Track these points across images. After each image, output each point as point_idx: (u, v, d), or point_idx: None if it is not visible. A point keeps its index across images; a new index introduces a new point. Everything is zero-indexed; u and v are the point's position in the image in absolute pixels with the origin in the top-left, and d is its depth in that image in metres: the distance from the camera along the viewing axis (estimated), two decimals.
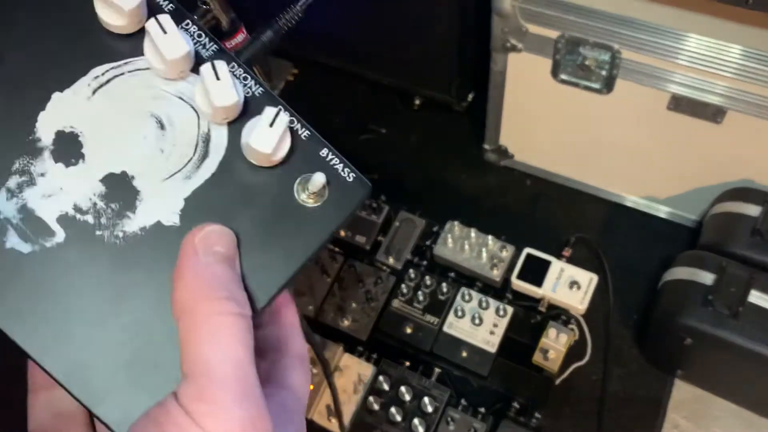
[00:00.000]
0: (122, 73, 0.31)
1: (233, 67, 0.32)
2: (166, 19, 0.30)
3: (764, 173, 1.01)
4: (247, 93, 0.32)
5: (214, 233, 0.29)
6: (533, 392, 0.99)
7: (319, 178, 0.30)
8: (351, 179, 0.32)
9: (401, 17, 1.17)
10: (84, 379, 0.28)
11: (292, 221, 0.31)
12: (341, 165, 0.32)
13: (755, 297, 0.89)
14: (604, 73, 0.98)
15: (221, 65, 0.30)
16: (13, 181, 0.29)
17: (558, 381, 1.01)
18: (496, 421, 0.97)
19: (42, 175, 0.29)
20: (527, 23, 0.97)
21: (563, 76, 1.02)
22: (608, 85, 0.99)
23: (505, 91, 1.11)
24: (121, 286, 0.29)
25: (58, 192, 0.29)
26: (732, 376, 0.97)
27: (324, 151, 0.32)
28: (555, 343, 0.99)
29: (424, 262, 1.11)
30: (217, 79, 0.30)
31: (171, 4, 0.32)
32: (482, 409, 0.98)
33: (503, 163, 1.26)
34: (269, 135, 0.30)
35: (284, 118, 0.30)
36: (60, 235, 0.29)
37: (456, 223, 1.11)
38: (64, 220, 0.29)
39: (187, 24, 0.32)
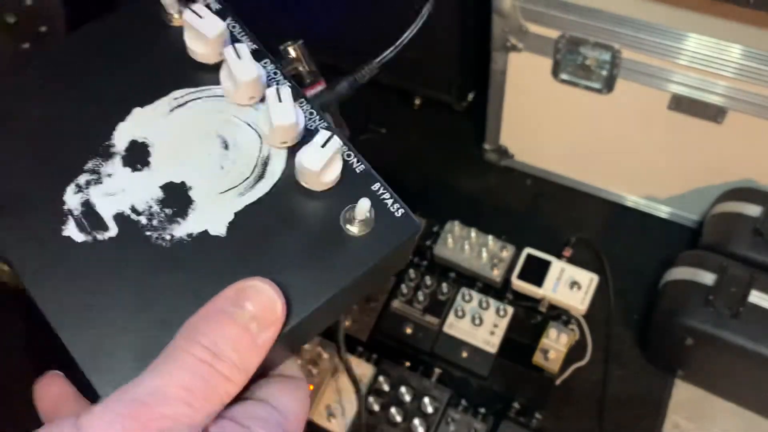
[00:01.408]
0: (199, 98, 0.34)
1: (302, 102, 0.34)
2: (242, 47, 0.32)
3: (765, 173, 1.01)
4: (311, 126, 0.34)
5: (253, 289, 0.28)
6: (533, 393, 0.99)
7: (364, 204, 0.31)
8: (399, 215, 0.32)
9: (401, 17, 1.17)
10: (98, 362, 0.29)
11: (333, 248, 0.31)
12: (391, 200, 0.32)
13: (756, 297, 0.89)
14: (604, 72, 0.98)
15: (285, 90, 0.32)
16: (83, 179, 0.32)
17: (558, 381, 1.01)
18: (497, 421, 0.96)
19: (109, 175, 0.32)
20: (527, 23, 0.97)
21: (564, 76, 1.01)
22: (609, 85, 0.99)
23: (505, 91, 1.10)
24: (159, 285, 0.30)
25: (120, 192, 0.32)
26: (732, 376, 0.97)
27: (376, 185, 0.33)
28: (555, 343, 0.99)
29: (424, 262, 1.11)
30: (279, 101, 0.31)
31: (255, 46, 0.35)
32: (482, 410, 0.98)
33: (503, 163, 1.26)
34: (319, 155, 0.31)
35: (336, 141, 0.31)
36: (113, 230, 0.31)
37: (456, 223, 1.10)
38: (120, 218, 0.31)
39: (266, 63, 0.35)
